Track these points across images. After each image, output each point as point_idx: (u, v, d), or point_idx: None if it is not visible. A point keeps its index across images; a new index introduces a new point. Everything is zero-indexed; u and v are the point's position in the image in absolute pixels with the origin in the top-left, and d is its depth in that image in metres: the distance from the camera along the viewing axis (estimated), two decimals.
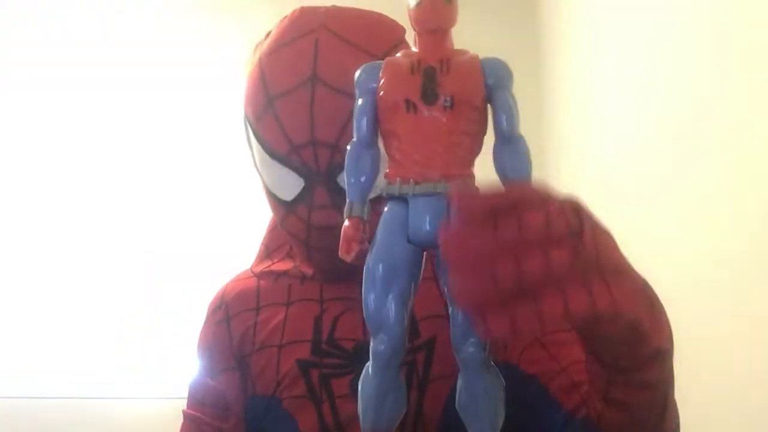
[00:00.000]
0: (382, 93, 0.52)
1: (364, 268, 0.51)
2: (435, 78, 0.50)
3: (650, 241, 1.44)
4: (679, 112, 1.28)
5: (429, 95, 0.50)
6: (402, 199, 0.50)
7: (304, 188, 0.72)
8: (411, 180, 0.50)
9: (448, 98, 0.50)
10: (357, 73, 0.54)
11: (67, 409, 2.65)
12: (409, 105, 0.50)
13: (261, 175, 0.77)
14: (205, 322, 0.85)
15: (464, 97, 0.50)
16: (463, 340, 0.49)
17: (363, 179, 0.53)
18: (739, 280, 1.03)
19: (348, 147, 0.54)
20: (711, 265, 1.14)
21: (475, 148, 0.52)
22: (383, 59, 0.55)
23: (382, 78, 0.52)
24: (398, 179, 0.50)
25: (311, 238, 0.73)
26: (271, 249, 0.86)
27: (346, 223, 0.52)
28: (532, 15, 2.78)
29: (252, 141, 0.76)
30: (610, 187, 1.76)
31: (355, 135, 0.53)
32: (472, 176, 0.51)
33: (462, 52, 0.53)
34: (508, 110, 0.51)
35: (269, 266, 0.83)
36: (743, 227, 1.01)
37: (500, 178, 0.51)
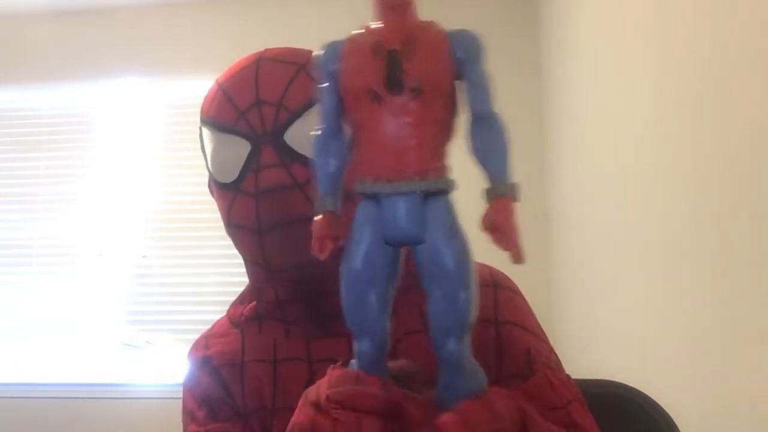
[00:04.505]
0: (344, 80, 0.48)
1: (341, 268, 0.49)
2: (399, 63, 0.46)
3: (650, 242, 1.44)
4: (678, 112, 1.28)
5: (394, 83, 0.46)
6: (375, 196, 0.48)
7: (250, 152, 0.72)
8: (384, 178, 0.47)
9: (417, 88, 0.46)
10: (318, 54, 0.51)
11: (67, 408, 2.65)
12: (374, 95, 0.47)
13: (210, 171, 0.77)
14: (190, 378, 0.81)
15: (432, 83, 0.47)
16: (442, 337, 0.47)
17: (332, 169, 0.50)
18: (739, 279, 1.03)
19: (314, 137, 0.51)
20: (711, 265, 1.14)
21: (448, 135, 0.49)
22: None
23: (342, 60, 0.49)
24: (370, 177, 0.48)
25: (261, 218, 0.70)
26: (244, 294, 0.83)
27: (319, 216, 0.49)
28: (532, 17, 2.78)
29: (204, 137, 0.77)
30: (609, 188, 1.76)
31: (320, 122, 0.51)
32: (446, 169, 0.48)
33: (427, 26, 0.49)
34: (481, 86, 0.47)
35: (242, 311, 0.80)
36: (743, 229, 1.01)
37: (476, 160, 0.48)
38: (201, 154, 0.80)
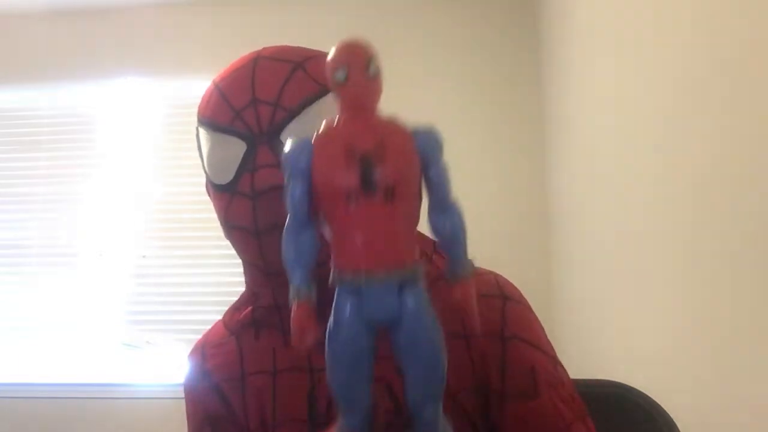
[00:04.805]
0: (317, 179, 0.51)
1: (326, 351, 0.52)
2: (372, 167, 0.49)
3: (650, 242, 1.44)
4: (678, 112, 1.28)
5: (369, 186, 0.49)
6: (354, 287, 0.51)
7: (246, 152, 0.71)
8: (362, 272, 0.50)
9: (390, 188, 0.50)
10: (285, 150, 0.53)
11: (67, 408, 2.65)
12: (350, 196, 0.49)
13: (206, 173, 0.76)
14: (191, 391, 0.80)
15: (403, 183, 0.50)
16: (421, 404, 0.52)
17: (305, 260, 0.52)
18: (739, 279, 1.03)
19: (284, 230, 0.53)
20: (711, 265, 1.14)
21: (416, 224, 0.54)
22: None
23: (315, 161, 0.51)
24: (349, 271, 0.50)
25: (259, 219, 0.70)
26: (240, 301, 0.82)
27: (295, 308, 0.51)
28: (532, 16, 2.78)
29: (200, 137, 0.77)
30: (610, 188, 1.76)
31: (290, 216, 0.53)
32: (417, 257, 0.52)
33: (393, 125, 0.52)
34: (442, 180, 0.52)
35: (238, 317, 0.79)
36: (743, 229, 1.01)
37: (439, 244, 0.53)
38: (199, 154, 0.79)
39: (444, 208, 0.52)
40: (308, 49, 0.77)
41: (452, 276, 0.53)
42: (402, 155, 0.51)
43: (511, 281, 0.79)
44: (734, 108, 1.04)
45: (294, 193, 0.52)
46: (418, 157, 0.51)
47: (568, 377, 0.74)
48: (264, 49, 0.76)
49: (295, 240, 0.52)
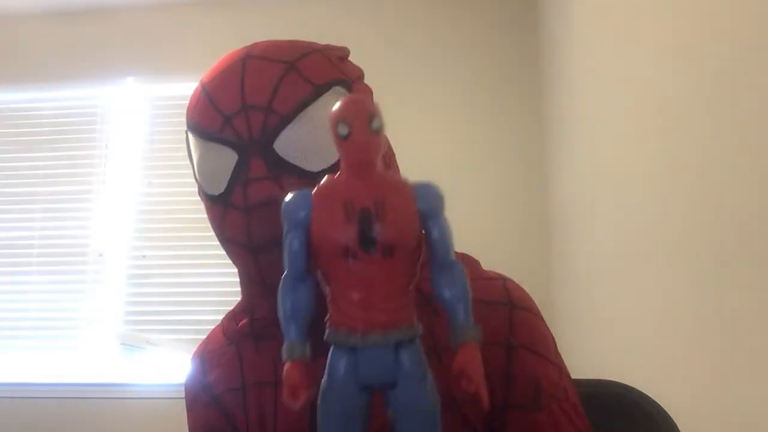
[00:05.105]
0: (316, 233, 0.50)
1: (318, 410, 0.51)
2: (372, 224, 0.49)
3: (650, 242, 1.44)
4: (678, 112, 1.28)
5: (367, 244, 0.48)
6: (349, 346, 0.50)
7: (237, 163, 0.66)
8: (357, 331, 0.49)
9: (388, 246, 0.49)
10: (284, 203, 0.52)
11: (67, 408, 2.65)
12: (348, 253, 0.49)
13: (198, 183, 0.72)
14: (191, 402, 0.78)
15: (403, 242, 0.50)
16: None
17: (301, 316, 0.51)
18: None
19: (281, 282, 0.51)
20: (711, 265, 1.14)
21: (414, 282, 0.52)
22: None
23: (313, 214, 0.50)
24: (345, 329, 0.49)
25: (253, 235, 0.66)
26: (236, 311, 0.79)
27: (288, 366, 0.50)
28: (532, 16, 2.78)
29: (190, 142, 0.73)
30: (610, 188, 1.77)
31: (287, 268, 0.51)
32: (414, 317, 0.51)
33: (393, 182, 0.51)
34: (443, 238, 0.51)
35: (235, 327, 0.77)
36: (743, 229, 1.02)
37: (440, 304, 0.51)
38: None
39: (445, 267, 0.51)
40: (301, 43, 0.73)
41: (454, 341, 0.50)
42: (402, 213, 0.50)
43: (521, 286, 0.76)
44: (736, 109, 1.04)
45: (292, 245, 0.51)
46: (418, 214, 0.50)
47: (573, 388, 0.72)
48: (254, 45, 0.72)
49: (292, 294, 0.51)
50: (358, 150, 0.49)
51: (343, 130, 0.48)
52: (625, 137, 1.62)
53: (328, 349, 0.51)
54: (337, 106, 0.49)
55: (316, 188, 0.52)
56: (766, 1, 0.94)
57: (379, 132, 0.49)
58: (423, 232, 0.51)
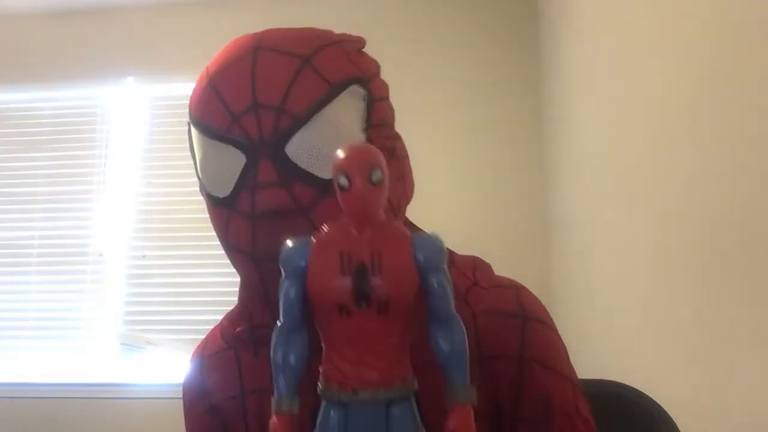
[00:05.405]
0: (312, 284, 0.49)
1: None
2: (367, 279, 0.47)
3: (650, 242, 1.44)
4: (678, 112, 1.28)
5: (362, 300, 0.47)
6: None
7: (246, 166, 0.62)
8: (349, 387, 0.48)
9: (384, 302, 0.48)
10: (282, 250, 0.50)
11: (67, 408, 2.65)
12: (342, 307, 0.48)
13: (201, 182, 0.69)
14: (190, 408, 0.76)
15: (399, 299, 0.48)
16: None
17: (293, 366, 0.50)
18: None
19: (274, 331, 0.50)
20: (711, 265, 1.14)
21: (409, 338, 0.50)
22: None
23: (311, 261, 0.49)
24: (336, 385, 0.48)
25: (258, 246, 0.63)
26: (234, 315, 0.77)
27: (274, 419, 0.49)
28: (532, 16, 2.78)
29: (193, 137, 0.68)
30: (609, 189, 1.76)
31: (282, 316, 0.50)
32: (408, 375, 0.50)
33: (392, 234, 0.50)
34: (442, 293, 0.49)
35: (232, 331, 0.74)
36: (742, 230, 1.02)
37: (437, 359, 0.49)
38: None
39: (443, 321, 0.49)
40: (316, 32, 0.68)
41: (451, 399, 0.48)
42: (399, 268, 0.48)
43: (534, 295, 0.73)
44: (737, 109, 1.04)
45: (288, 293, 0.50)
46: (417, 268, 0.49)
47: (585, 401, 0.70)
48: (265, 33, 0.66)
49: (285, 343, 0.50)
50: (358, 203, 0.48)
51: (344, 182, 0.47)
52: (625, 137, 1.62)
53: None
54: (339, 154, 0.48)
55: (315, 236, 0.50)
56: (766, 1, 0.94)
57: (379, 184, 0.47)
58: (422, 285, 0.50)
